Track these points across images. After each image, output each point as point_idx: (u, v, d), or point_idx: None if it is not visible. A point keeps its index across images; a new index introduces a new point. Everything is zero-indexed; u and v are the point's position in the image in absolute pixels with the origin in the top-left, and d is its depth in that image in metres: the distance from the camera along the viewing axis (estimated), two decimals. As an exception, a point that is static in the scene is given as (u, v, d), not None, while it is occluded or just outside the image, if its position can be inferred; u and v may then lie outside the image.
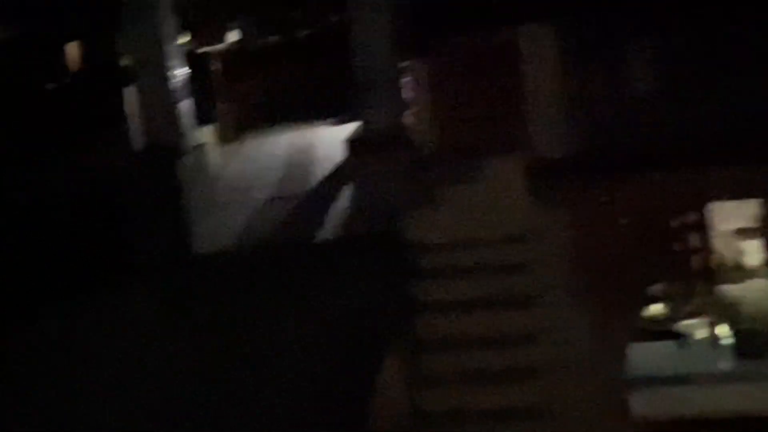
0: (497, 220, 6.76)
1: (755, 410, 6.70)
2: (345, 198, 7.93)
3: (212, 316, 6.58)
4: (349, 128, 8.21)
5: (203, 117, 9.09)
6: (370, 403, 5.80)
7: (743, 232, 8.27)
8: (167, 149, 8.20)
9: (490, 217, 6.76)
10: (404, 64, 7.60)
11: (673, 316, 8.11)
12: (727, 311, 8.28)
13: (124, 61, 8.89)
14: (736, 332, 7.54)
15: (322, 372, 6.05)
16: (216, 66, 10.02)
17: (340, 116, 9.59)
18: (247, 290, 6.88)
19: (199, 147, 8.80)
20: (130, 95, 8.63)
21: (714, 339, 7.64)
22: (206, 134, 9.33)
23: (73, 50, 9.68)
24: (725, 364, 7.36)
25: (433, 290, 6.74)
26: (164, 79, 8.22)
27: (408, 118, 7.65)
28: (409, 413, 6.34)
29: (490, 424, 6.36)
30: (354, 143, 7.71)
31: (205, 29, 9.78)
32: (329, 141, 9.08)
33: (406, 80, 7.69)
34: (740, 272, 8.24)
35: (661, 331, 8.09)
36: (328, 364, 6.09)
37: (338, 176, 8.31)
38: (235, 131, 9.96)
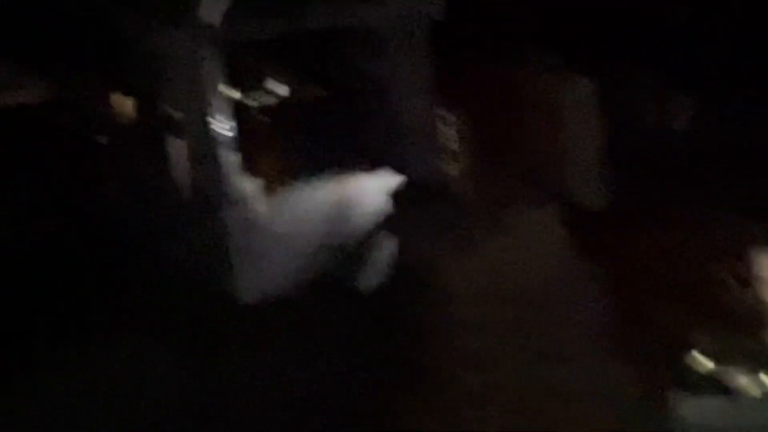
0: (533, 271, 6.70)
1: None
2: (386, 247, 7.96)
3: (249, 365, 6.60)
4: (390, 178, 8.26)
5: (250, 169, 9.22)
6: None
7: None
8: (213, 199, 8.33)
9: (526, 267, 6.71)
10: (444, 113, 7.64)
11: (723, 370, 7.87)
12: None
13: (174, 114, 9.10)
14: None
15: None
16: (262, 119, 10.18)
17: (380, 166, 9.66)
18: (291, 338, 6.92)
19: (245, 198, 8.92)
20: (179, 148, 8.81)
21: (764, 393, 7.37)
22: (252, 186, 9.46)
23: (123, 103, 9.93)
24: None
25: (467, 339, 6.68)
26: (211, 131, 8.39)
27: (448, 168, 7.67)
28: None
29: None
30: (395, 194, 7.75)
31: (251, 83, 9.95)
32: (370, 191, 9.13)
33: (446, 130, 7.72)
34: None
35: (711, 385, 7.86)
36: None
37: (380, 226, 8.36)
38: (280, 183, 10.08)
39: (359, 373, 6.37)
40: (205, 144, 8.47)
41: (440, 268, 6.72)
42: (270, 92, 10.25)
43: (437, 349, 6.46)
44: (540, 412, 6.27)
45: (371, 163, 9.79)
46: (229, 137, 8.61)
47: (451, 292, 6.61)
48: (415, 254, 7.14)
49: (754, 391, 7.64)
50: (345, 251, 8.13)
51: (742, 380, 7.89)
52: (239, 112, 9.29)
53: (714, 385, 7.90)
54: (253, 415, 6.15)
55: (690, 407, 7.44)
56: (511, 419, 6.35)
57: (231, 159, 8.68)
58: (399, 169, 7.86)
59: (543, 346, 6.50)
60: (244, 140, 8.97)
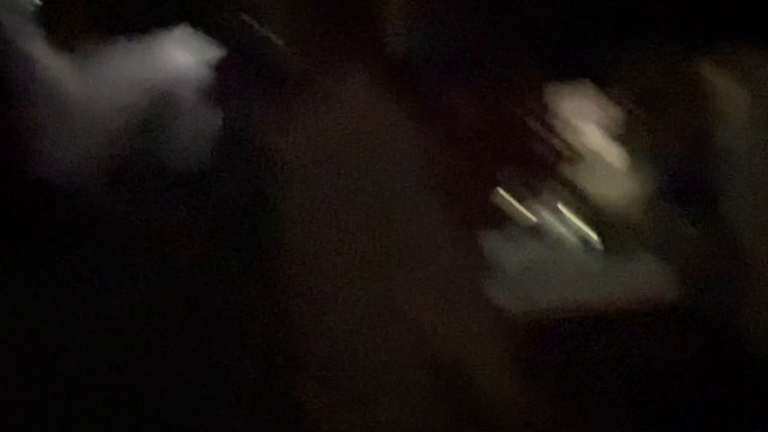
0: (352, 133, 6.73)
1: (607, 297, 7.01)
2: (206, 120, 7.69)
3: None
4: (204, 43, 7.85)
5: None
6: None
7: (589, 118, 8.51)
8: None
9: (354, 134, 6.72)
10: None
11: (528, 208, 8.35)
12: (578, 199, 8.61)
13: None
14: (588, 220, 7.82)
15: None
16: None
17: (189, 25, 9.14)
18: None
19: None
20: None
21: (568, 228, 7.91)
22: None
23: None
24: (578, 253, 7.66)
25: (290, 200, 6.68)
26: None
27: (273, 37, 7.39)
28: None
29: (357, 339, 6.46)
30: (217, 63, 7.42)
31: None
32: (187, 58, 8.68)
33: None
34: (589, 159, 8.52)
35: (518, 223, 8.35)
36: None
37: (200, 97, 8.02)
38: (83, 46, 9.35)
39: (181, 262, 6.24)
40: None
41: (266, 143, 6.56)
42: None
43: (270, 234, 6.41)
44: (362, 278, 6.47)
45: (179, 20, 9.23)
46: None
47: (279, 167, 6.49)
48: (239, 127, 6.94)
49: (559, 228, 8.22)
50: (159, 124, 7.77)
51: (551, 220, 8.48)
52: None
53: (523, 226, 8.46)
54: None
55: (498, 245, 7.93)
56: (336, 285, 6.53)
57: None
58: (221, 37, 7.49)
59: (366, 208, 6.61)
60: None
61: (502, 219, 8.62)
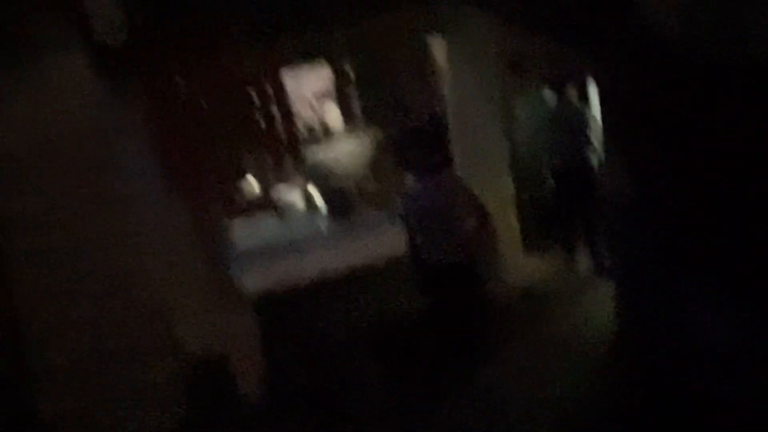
0: (71, 118, 6.36)
1: (350, 266, 7.12)
2: None
3: None
4: None
5: None
6: None
7: (322, 95, 8.60)
8: None
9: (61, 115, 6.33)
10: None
11: (268, 187, 8.32)
12: (317, 175, 8.68)
13: None
14: (327, 193, 7.90)
15: None
16: None
17: None
18: None
19: None
20: None
21: (308, 203, 7.95)
22: None
23: None
24: (318, 226, 7.71)
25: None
26: None
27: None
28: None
29: (99, 335, 6.15)
30: None
31: None
32: None
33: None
34: (325, 134, 8.60)
35: (259, 203, 8.29)
36: None
37: None
38: None
39: None
40: None
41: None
42: None
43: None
44: (97, 260, 6.16)
45: None
46: None
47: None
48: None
49: (300, 205, 8.26)
50: None
51: (286, 194, 8.49)
52: None
53: (264, 205, 8.42)
54: None
55: (242, 227, 7.85)
56: (71, 268, 6.16)
57: None
58: None
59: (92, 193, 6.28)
60: None
61: (245, 202, 8.52)
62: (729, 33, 4.20)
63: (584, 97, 7.63)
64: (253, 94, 7.02)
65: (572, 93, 7.57)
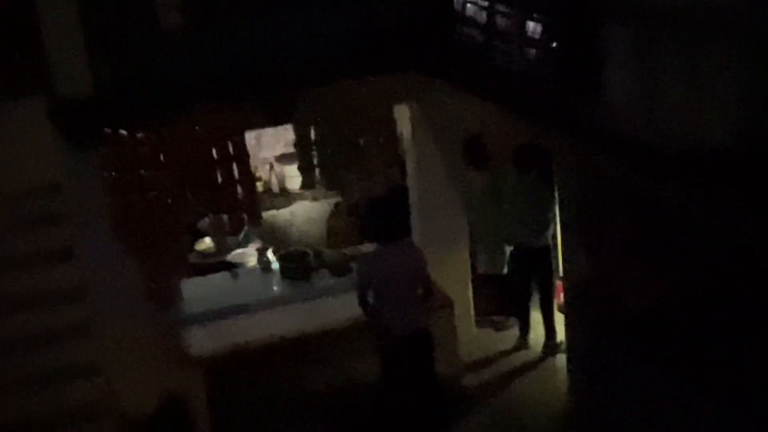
0: (27, 170, 6.31)
1: (304, 329, 7.06)
2: None
3: None
4: None
5: None
6: None
7: (283, 158, 8.61)
8: None
9: (18, 167, 6.28)
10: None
11: (224, 248, 8.25)
12: (274, 237, 8.64)
13: None
14: (284, 256, 7.84)
15: None
16: None
17: None
18: None
19: None
20: None
21: (264, 265, 7.88)
22: None
23: None
24: (275, 289, 7.64)
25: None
26: None
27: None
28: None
29: (42, 389, 6.00)
30: None
31: None
32: None
33: None
34: (284, 197, 8.60)
35: (215, 264, 8.20)
36: None
37: None
38: None
39: None
40: None
41: None
42: None
43: None
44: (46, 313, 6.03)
45: None
46: None
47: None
48: None
49: (255, 266, 8.19)
50: None
51: (243, 255, 8.43)
52: None
53: (219, 265, 8.34)
54: None
55: (196, 288, 7.75)
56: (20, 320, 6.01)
57: None
58: None
59: (45, 246, 6.20)
60: None
61: (200, 262, 8.42)
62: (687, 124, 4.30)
63: (546, 176, 7.72)
64: (214, 154, 6.97)
65: (534, 171, 7.66)
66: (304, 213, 8.88)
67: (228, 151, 7.10)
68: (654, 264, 6.05)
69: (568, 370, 6.45)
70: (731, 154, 4.06)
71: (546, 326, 7.99)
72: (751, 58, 3.92)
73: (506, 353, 8.01)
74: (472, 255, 8.11)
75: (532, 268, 7.88)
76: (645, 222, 5.89)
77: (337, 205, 8.73)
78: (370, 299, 6.64)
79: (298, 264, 7.70)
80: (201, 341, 7.05)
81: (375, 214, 7.18)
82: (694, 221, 4.79)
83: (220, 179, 7.10)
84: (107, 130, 6.26)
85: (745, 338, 5.44)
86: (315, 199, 8.65)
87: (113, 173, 6.50)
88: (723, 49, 4.09)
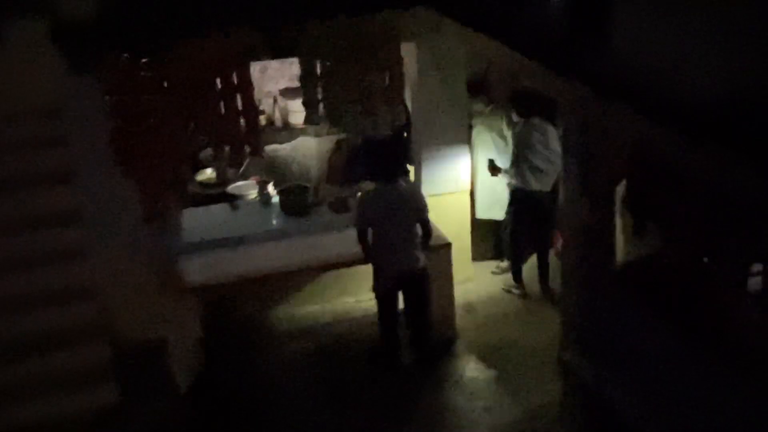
0: (28, 91, 6.22)
1: (299, 263, 7.07)
2: None
3: None
4: None
5: None
6: None
7: (287, 92, 8.52)
8: None
9: (18, 88, 6.20)
10: None
11: (225, 179, 8.21)
12: (275, 171, 8.59)
13: None
14: (284, 191, 7.82)
15: None
16: None
17: None
18: None
19: None
20: None
21: (264, 199, 7.86)
22: None
23: None
24: (273, 222, 7.62)
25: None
26: None
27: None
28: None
29: (36, 310, 6.01)
30: None
31: None
32: None
33: None
34: (287, 131, 8.53)
35: (215, 195, 8.18)
36: None
37: None
38: None
39: None
40: None
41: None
42: None
43: None
44: (41, 235, 6.02)
45: None
46: None
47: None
48: None
49: (253, 198, 8.17)
50: None
51: (243, 188, 8.40)
52: None
53: (219, 195, 8.32)
54: None
55: (195, 218, 7.75)
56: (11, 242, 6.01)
57: None
58: None
59: (43, 168, 6.16)
60: None
61: (199, 192, 8.39)
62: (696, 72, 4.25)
63: (549, 122, 7.66)
64: (218, 84, 6.89)
65: (536, 117, 7.60)
66: (307, 149, 8.82)
67: (232, 81, 7.04)
68: (649, 214, 6.04)
69: (561, 316, 6.48)
70: (735, 105, 4.02)
71: (540, 272, 8.00)
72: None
73: (500, 296, 8.06)
74: (473, 198, 8.09)
75: (533, 212, 7.86)
76: (644, 173, 5.87)
77: (339, 142, 8.67)
78: (369, 237, 6.67)
79: (298, 199, 7.69)
80: (198, 271, 7.07)
81: (376, 153, 7.15)
82: (693, 174, 4.77)
83: (223, 109, 7.07)
84: (110, 53, 6.19)
85: (731, 286, 5.47)
86: (318, 135, 8.57)
87: (115, 97, 6.44)
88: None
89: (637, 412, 5.65)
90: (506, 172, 7.79)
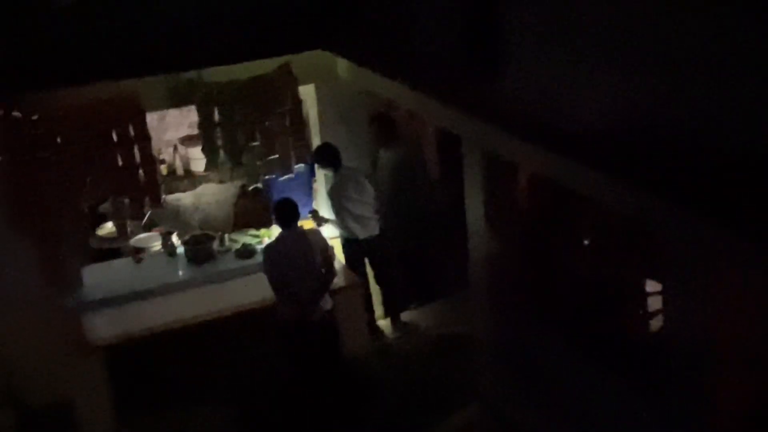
0: None
1: (207, 312, 6.94)
2: None
3: None
4: None
5: None
6: None
7: (187, 140, 8.41)
8: None
9: None
10: None
11: (126, 232, 8.02)
12: (179, 220, 8.43)
13: None
14: (189, 240, 7.69)
15: None
16: None
17: None
18: None
19: None
20: None
21: (169, 250, 7.72)
22: None
23: None
24: (180, 273, 7.49)
25: None
26: None
27: None
28: None
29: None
30: None
31: None
32: None
33: None
34: (189, 180, 8.39)
35: (117, 249, 7.99)
36: None
37: None
38: None
39: None
40: None
41: None
42: None
43: None
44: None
45: None
46: None
47: None
48: None
49: (157, 247, 8.00)
50: None
51: (147, 240, 8.22)
52: None
53: (121, 251, 8.13)
54: None
55: (97, 274, 7.54)
56: None
57: None
58: None
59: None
60: None
61: (101, 247, 8.18)
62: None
63: (359, 172, 7.75)
64: (114, 136, 6.77)
65: (349, 168, 7.67)
66: (210, 195, 8.70)
67: (128, 132, 6.92)
68: (555, 250, 6.17)
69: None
70: (629, 135, 4.15)
71: (386, 308, 8.12)
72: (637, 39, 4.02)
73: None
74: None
75: (369, 256, 7.88)
76: (541, 199, 6.00)
77: (243, 186, 8.58)
78: (276, 282, 6.62)
79: (204, 247, 7.57)
80: (104, 327, 6.86)
81: (277, 199, 7.15)
82: (588, 199, 4.89)
83: (120, 161, 6.93)
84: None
85: (639, 316, 5.64)
86: (221, 181, 8.47)
87: (6, 156, 6.27)
88: (616, 33, 4.18)
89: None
90: (332, 222, 7.84)
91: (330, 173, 7.74)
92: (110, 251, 7.98)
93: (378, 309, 8.17)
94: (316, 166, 8.04)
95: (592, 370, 5.39)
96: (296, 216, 6.78)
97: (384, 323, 8.12)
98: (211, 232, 7.83)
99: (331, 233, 7.65)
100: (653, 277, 5.49)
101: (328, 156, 7.62)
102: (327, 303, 6.71)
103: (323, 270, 6.67)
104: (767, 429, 4.33)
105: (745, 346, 4.20)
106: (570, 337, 5.64)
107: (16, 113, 6.16)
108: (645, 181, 3.82)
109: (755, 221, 3.28)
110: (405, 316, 8.23)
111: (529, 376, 6.00)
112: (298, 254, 6.61)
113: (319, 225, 7.68)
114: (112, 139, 6.74)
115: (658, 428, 4.80)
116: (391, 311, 8.10)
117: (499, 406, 6.30)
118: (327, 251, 6.75)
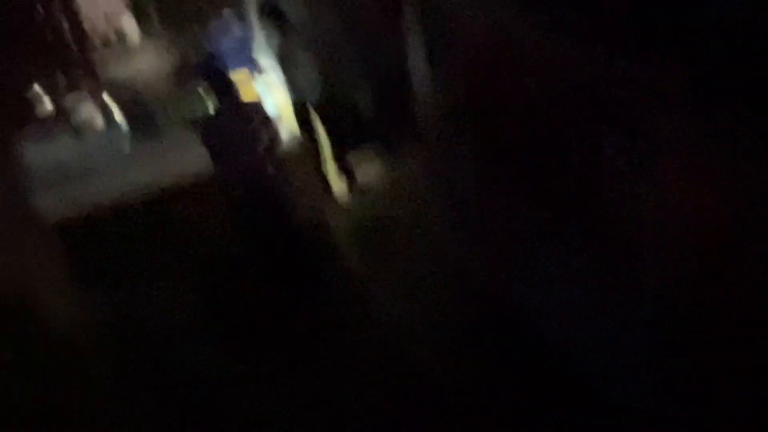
0: None
1: (151, 186, 6.86)
2: None
3: None
4: None
5: None
6: None
7: (120, 9, 8.15)
8: None
9: None
10: None
11: (65, 109, 7.86)
12: (117, 93, 8.27)
13: None
14: (129, 114, 7.57)
15: None
16: None
17: None
18: None
19: None
20: None
21: (109, 125, 7.59)
22: None
23: None
24: (122, 148, 7.40)
25: None
26: None
27: None
28: None
29: None
30: None
31: None
32: None
33: None
34: (125, 53, 8.19)
35: (55, 123, 7.83)
36: None
37: None
38: None
39: None
40: None
41: None
42: None
43: None
44: None
45: None
46: None
47: None
48: None
49: (98, 125, 7.86)
50: None
51: (85, 115, 8.05)
52: None
53: (60, 125, 7.96)
54: None
55: (39, 152, 7.40)
56: None
57: None
58: None
59: None
60: None
61: (39, 122, 8.01)
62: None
63: None
64: (40, 11, 6.53)
65: None
66: (146, 63, 8.49)
67: (55, 6, 6.69)
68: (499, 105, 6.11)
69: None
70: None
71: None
72: None
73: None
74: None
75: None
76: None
77: (178, 55, 8.38)
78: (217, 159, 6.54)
79: (147, 120, 7.46)
80: (51, 206, 6.81)
81: (218, 70, 6.95)
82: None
83: (52, 38, 6.73)
84: None
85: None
86: (155, 48, 8.26)
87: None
88: None
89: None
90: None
91: (275, 31, 7.55)
92: (49, 125, 7.80)
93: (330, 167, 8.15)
94: (257, 26, 7.82)
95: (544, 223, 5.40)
96: (229, 85, 6.60)
97: (336, 183, 8.12)
98: (152, 103, 7.69)
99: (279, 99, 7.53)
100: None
101: (273, 13, 7.42)
102: (274, 170, 6.66)
103: (267, 138, 6.60)
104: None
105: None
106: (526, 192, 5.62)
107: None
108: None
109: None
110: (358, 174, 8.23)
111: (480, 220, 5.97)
112: (239, 128, 6.51)
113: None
114: (37, 14, 6.53)
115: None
116: (343, 170, 8.05)
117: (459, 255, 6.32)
118: (269, 121, 6.64)
